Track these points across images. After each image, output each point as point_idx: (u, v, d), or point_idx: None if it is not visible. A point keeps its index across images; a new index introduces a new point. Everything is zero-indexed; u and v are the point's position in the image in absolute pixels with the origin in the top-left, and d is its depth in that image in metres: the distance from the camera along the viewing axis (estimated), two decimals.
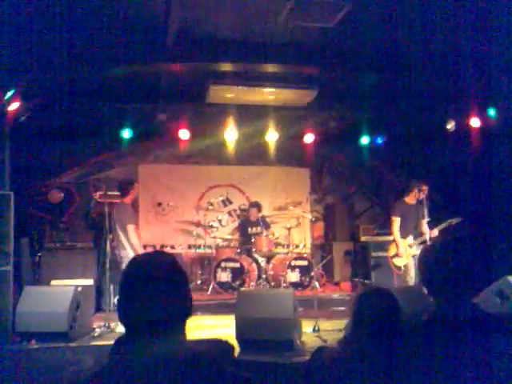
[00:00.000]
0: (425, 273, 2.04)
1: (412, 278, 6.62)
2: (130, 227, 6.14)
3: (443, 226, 6.65)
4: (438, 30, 5.63)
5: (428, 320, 1.92)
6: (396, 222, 6.87)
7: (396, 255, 6.82)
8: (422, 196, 6.74)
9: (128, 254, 6.06)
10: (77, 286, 5.69)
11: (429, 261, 2.02)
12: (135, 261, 1.61)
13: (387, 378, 1.89)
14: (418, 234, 6.75)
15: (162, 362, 1.38)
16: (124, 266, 6.14)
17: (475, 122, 7.84)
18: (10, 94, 6.23)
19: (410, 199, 6.90)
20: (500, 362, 1.72)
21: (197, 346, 1.51)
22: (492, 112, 7.60)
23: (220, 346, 1.57)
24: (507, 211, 7.43)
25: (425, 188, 6.77)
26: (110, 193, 7.71)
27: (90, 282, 6.55)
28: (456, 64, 6.46)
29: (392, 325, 2.13)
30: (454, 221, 6.66)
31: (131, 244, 6.11)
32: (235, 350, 1.62)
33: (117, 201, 6.46)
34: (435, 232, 6.63)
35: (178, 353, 1.42)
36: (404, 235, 6.81)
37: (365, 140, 9.20)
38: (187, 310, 1.56)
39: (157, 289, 1.49)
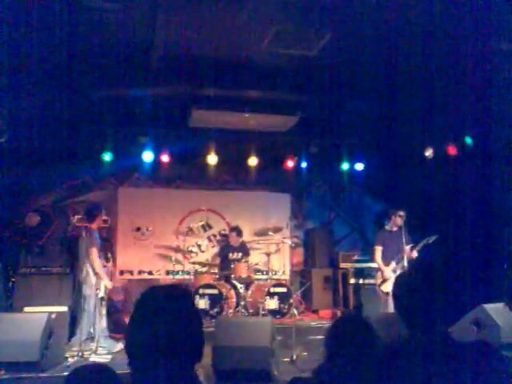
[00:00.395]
0: (397, 300, 2.02)
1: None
2: (93, 251, 6.12)
3: (421, 245, 6.75)
4: (417, 59, 5.75)
5: (400, 348, 1.90)
6: (378, 251, 6.98)
7: (383, 282, 6.84)
8: (401, 222, 6.87)
9: (90, 279, 6.05)
10: (50, 313, 5.54)
11: (401, 288, 2.01)
12: (153, 292, 1.55)
13: None
14: (401, 259, 6.78)
15: None
16: (84, 290, 6.11)
17: (452, 150, 8.00)
18: None
19: (391, 226, 7.04)
20: None
21: None
22: (469, 140, 7.77)
23: None
24: (483, 239, 7.51)
25: (402, 214, 6.90)
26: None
27: (64, 308, 6.40)
28: (435, 93, 6.60)
29: (366, 353, 2.11)
30: (432, 238, 6.74)
31: (93, 268, 6.09)
32: None
33: (86, 225, 6.42)
34: (414, 253, 6.71)
35: None
36: (387, 262, 6.88)
37: (345, 166, 9.29)
38: (198, 355, 1.49)
39: (171, 326, 1.43)
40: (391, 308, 6.65)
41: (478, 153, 7.66)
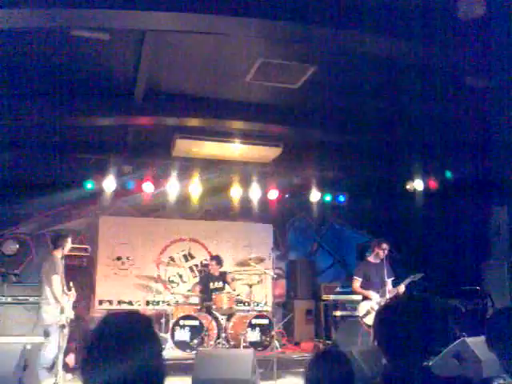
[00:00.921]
0: (377, 334, 2.02)
1: None
2: (54, 278, 6.02)
3: (406, 281, 6.73)
4: (399, 93, 5.89)
5: (378, 381, 1.89)
6: (356, 281, 6.99)
7: (366, 314, 6.79)
8: (383, 254, 6.88)
9: (52, 307, 5.92)
10: (25, 344, 5.38)
11: (381, 322, 2.01)
12: (108, 320, 1.50)
13: None
14: (385, 292, 6.74)
15: None
16: (45, 318, 5.98)
17: (433, 183, 8.14)
18: None
19: (374, 258, 7.04)
20: None
21: None
22: (449, 174, 7.92)
23: None
24: (465, 271, 7.59)
25: (385, 246, 6.92)
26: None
27: (40, 339, 6.22)
28: (417, 128, 6.74)
29: None
30: (417, 276, 6.74)
31: (54, 296, 5.97)
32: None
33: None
34: (402, 288, 6.70)
35: None
36: (368, 287, 6.88)
37: (327, 197, 9.36)
38: (161, 378, 1.45)
39: (130, 352, 1.38)
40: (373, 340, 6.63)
41: (457, 186, 7.80)
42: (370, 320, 6.72)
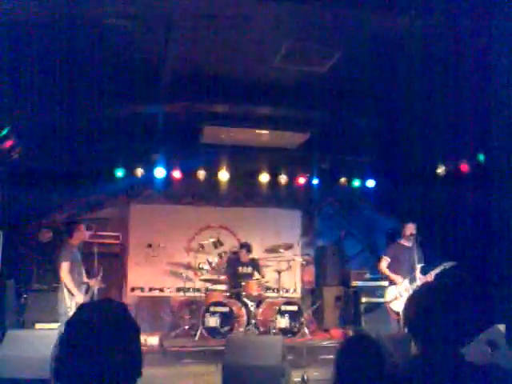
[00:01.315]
0: (408, 319, 1.99)
1: None
2: (63, 265, 6.15)
3: (438, 270, 6.62)
4: (429, 76, 5.74)
5: (409, 369, 1.86)
6: (384, 261, 6.91)
7: (394, 299, 6.72)
8: (412, 235, 6.78)
9: (63, 296, 6.05)
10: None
11: (412, 307, 1.97)
12: (81, 310, 1.46)
13: None
14: (414, 279, 6.64)
15: None
16: (59, 307, 6.13)
17: (465, 167, 7.93)
18: (3, 131, 6.24)
19: (404, 241, 6.94)
20: None
21: None
22: (481, 157, 7.70)
23: None
24: (498, 257, 7.41)
25: (411, 226, 6.84)
26: (100, 233, 7.68)
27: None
28: (448, 110, 6.57)
29: (375, 374, 2.08)
30: (448, 265, 6.62)
31: (64, 283, 6.10)
32: None
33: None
34: (431, 276, 6.57)
35: None
36: (397, 272, 6.79)
37: (356, 183, 9.26)
38: (137, 369, 1.42)
39: (105, 343, 1.34)
40: (402, 327, 6.56)
41: (490, 170, 7.59)
42: (396, 306, 6.66)
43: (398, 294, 6.69)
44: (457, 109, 6.47)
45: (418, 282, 6.53)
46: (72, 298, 6.09)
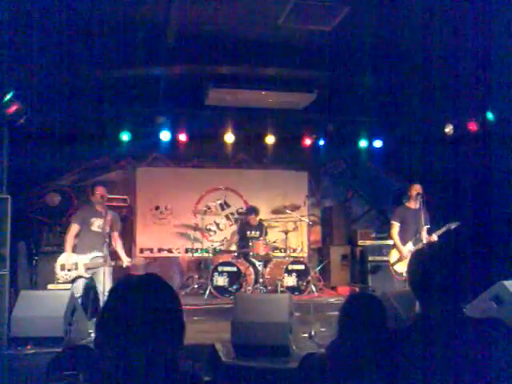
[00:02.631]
0: (411, 276, 2.03)
1: None
2: (71, 226, 6.25)
3: (442, 230, 6.59)
4: (437, 32, 5.63)
5: (412, 325, 1.91)
6: (395, 226, 6.86)
7: (397, 261, 6.78)
8: (418, 197, 6.69)
9: (66, 254, 6.09)
10: (73, 290, 5.68)
11: (415, 264, 2.01)
12: (124, 285, 1.45)
13: (372, 382, 1.88)
14: (419, 241, 6.63)
15: None
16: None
17: (473, 126, 7.84)
18: (8, 96, 6.23)
19: (411, 204, 6.87)
20: (485, 366, 1.72)
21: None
22: (490, 115, 7.60)
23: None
24: (503, 216, 7.42)
25: (418, 188, 6.73)
26: (108, 196, 7.69)
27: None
28: (455, 67, 6.46)
29: (377, 329, 2.13)
30: (453, 225, 6.59)
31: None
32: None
33: None
34: (434, 237, 6.56)
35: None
36: (404, 241, 6.77)
37: (363, 143, 9.21)
38: (180, 337, 1.43)
39: (151, 319, 1.34)
40: (406, 287, 6.64)
41: (500, 129, 7.51)
42: (400, 268, 6.71)
43: (400, 256, 6.74)
44: (465, 65, 6.37)
45: (423, 244, 6.52)
46: (71, 255, 6.14)
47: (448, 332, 1.80)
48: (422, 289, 1.94)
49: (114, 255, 6.37)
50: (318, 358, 2.20)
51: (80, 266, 6.09)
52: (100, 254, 6.09)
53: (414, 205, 6.82)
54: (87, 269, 6.09)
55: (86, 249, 6.16)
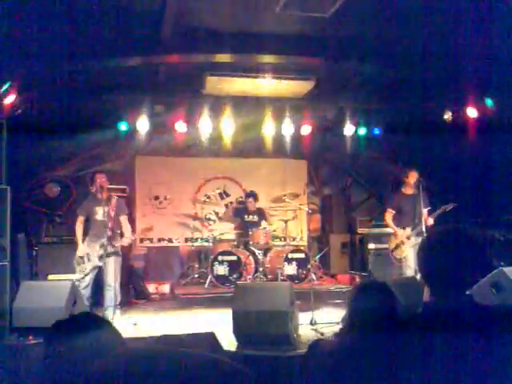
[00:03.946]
0: (421, 263, 2.03)
1: (412, 268, 6.56)
2: (77, 218, 6.32)
3: (438, 212, 6.66)
4: (435, 18, 5.59)
5: (423, 311, 1.91)
6: (389, 214, 6.97)
7: (396, 247, 6.83)
8: (415, 183, 6.76)
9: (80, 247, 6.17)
10: (74, 281, 5.69)
11: (425, 251, 2.02)
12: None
13: (383, 369, 1.89)
14: (417, 224, 6.70)
15: None
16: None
17: (472, 112, 7.82)
18: (5, 86, 6.20)
19: (407, 189, 6.93)
20: (494, 353, 1.72)
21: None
22: (489, 101, 7.58)
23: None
24: (504, 202, 7.43)
25: (413, 174, 6.80)
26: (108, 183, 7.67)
27: (78, 276, 6.52)
28: (453, 53, 6.43)
29: (388, 317, 2.14)
30: (448, 207, 6.64)
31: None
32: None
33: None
34: (430, 220, 6.63)
35: None
36: (401, 226, 6.84)
37: (362, 131, 9.19)
38: None
39: None
40: (405, 273, 6.69)
41: (499, 115, 7.49)
42: (399, 253, 6.79)
43: (399, 242, 6.81)
44: (463, 51, 6.33)
45: (422, 227, 6.57)
46: (82, 248, 6.19)
47: (461, 319, 1.80)
48: (430, 276, 1.95)
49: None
50: (326, 345, 2.20)
51: (92, 256, 6.14)
52: (104, 239, 6.06)
53: (410, 191, 6.87)
54: (99, 257, 6.11)
55: (95, 238, 6.19)
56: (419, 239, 6.52)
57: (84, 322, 1.60)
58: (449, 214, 6.71)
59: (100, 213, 6.22)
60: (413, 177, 6.81)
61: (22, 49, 5.58)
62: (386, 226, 7.23)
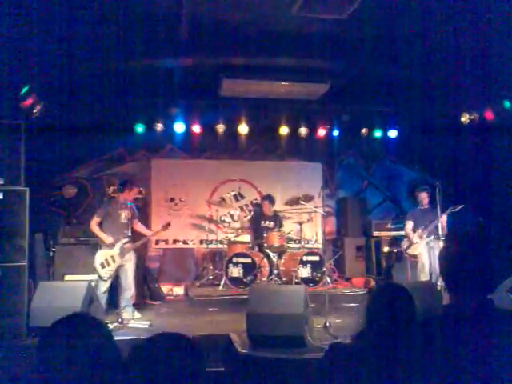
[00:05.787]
0: (443, 267, 2.03)
1: (426, 265, 7.03)
2: (94, 218, 6.47)
3: (447, 212, 7.00)
4: (453, 21, 5.55)
5: (442, 315, 1.90)
6: (408, 224, 7.49)
7: (409, 246, 7.35)
8: (426, 199, 7.34)
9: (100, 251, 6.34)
10: (90, 282, 5.75)
11: (447, 255, 2.01)
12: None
13: (401, 372, 1.88)
14: (428, 225, 7.19)
15: None
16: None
17: (489, 115, 7.74)
18: (25, 89, 6.29)
19: (420, 205, 7.46)
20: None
21: None
22: (507, 104, 7.49)
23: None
24: None
25: (424, 195, 7.35)
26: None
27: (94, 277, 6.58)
28: (471, 56, 6.37)
29: (406, 320, 2.12)
30: (457, 207, 6.98)
31: (94, 234, 6.48)
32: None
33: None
34: (444, 218, 6.99)
35: None
36: (414, 230, 7.39)
37: (378, 133, 9.14)
38: None
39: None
40: (420, 272, 7.10)
41: None
42: (413, 250, 7.26)
43: (413, 241, 7.29)
44: (481, 53, 6.27)
45: (432, 227, 7.08)
46: (104, 252, 6.30)
47: (481, 323, 1.79)
48: (452, 280, 1.94)
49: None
50: (345, 348, 2.19)
51: (115, 256, 6.32)
52: (126, 239, 6.42)
53: (422, 206, 7.44)
54: (123, 256, 6.35)
55: (116, 239, 6.38)
56: (431, 237, 7.08)
57: (76, 323, 1.64)
58: (469, 216, 6.86)
59: (123, 216, 6.51)
60: (423, 197, 7.38)
61: (40, 51, 5.66)
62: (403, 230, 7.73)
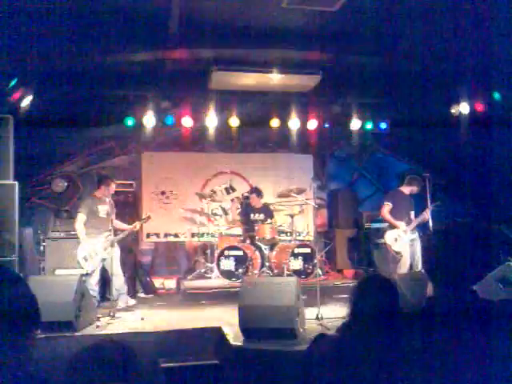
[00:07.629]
0: (426, 259, 2.04)
1: (406, 263, 6.78)
2: (78, 215, 6.43)
3: (430, 208, 6.85)
4: (442, 12, 5.55)
5: (426, 306, 1.92)
6: (386, 206, 7.08)
7: (394, 241, 6.95)
8: (415, 191, 7.04)
9: (81, 243, 6.31)
10: (81, 276, 5.73)
11: (430, 247, 2.02)
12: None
13: (386, 364, 1.89)
14: (411, 221, 6.92)
15: None
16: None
17: (479, 106, 7.78)
18: (13, 82, 6.22)
19: (405, 190, 7.15)
20: (497, 348, 1.72)
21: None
22: (497, 95, 7.53)
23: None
24: (510, 196, 7.40)
25: (415, 189, 7.04)
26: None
27: (82, 271, 6.56)
28: (460, 47, 6.38)
29: (390, 311, 2.14)
30: (437, 204, 6.89)
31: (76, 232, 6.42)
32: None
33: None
34: (427, 212, 6.82)
35: None
36: (393, 214, 7.03)
37: (369, 125, 9.16)
38: (31, 322, 1.60)
39: None
40: (405, 267, 6.83)
41: (507, 109, 7.43)
42: (397, 247, 6.91)
43: (397, 236, 6.91)
44: (471, 45, 6.29)
45: (414, 224, 6.88)
46: (85, 245, 6.30)
47: (463, 313, 1.81)
48: (435, 272, 1.95)
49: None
50: (329, 340, 2.20)
51: (98, 249, 6.32)
52: (107, 233, 6.33)
53: (407, 191, 7.12)
54: (105, 249, 6.33)
55: (98, 233, 6.39)
56: (414, 235, 6.86)
57: None
58: (458, 208, 6.80)
59: (102, 210, 6.52)
60: (413, 186, 7.06)
61: (28, 44, 5.59)
62: (381, 216, 7.39)
